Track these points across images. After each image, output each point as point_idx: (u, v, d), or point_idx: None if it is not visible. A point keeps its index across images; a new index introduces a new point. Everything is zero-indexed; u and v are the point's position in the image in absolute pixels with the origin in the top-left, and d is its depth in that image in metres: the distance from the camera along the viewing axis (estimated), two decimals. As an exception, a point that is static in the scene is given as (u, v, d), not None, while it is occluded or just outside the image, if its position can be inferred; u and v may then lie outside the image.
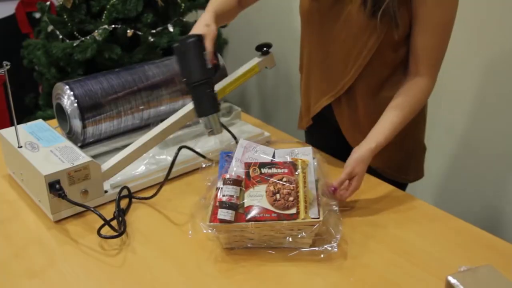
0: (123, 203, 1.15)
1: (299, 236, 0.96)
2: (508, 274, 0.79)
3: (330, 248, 0.97)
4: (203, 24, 1.19)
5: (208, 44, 1.15)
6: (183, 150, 1.19)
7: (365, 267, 0.96)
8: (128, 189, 1.17)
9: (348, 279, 0.93)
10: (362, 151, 1.11)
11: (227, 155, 1.08)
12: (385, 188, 1.22)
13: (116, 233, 1.03)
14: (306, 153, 1.04)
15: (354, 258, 0.98)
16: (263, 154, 1.06)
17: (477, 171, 1.83)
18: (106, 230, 1.05)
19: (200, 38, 1.13)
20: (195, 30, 1.18)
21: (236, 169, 1.02)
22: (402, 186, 1.33)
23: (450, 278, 0.76)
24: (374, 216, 1.11)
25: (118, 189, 1.15)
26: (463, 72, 1.77)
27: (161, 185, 1.15)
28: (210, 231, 0.96)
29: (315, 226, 0.95)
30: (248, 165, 1.00)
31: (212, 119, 1.12)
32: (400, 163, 1.32)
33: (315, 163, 1.06)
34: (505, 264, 0.96)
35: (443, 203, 1.96)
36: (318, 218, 0.95)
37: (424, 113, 1.32)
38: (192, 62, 1.07)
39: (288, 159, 1.03)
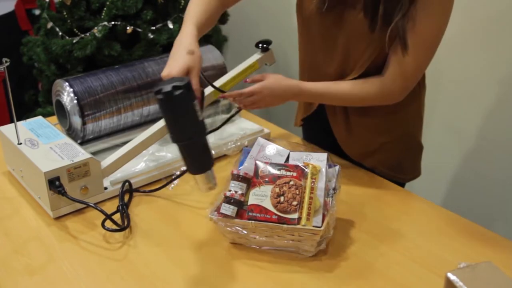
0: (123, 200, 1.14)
1: (302, 245, 0.95)
2: (508, 270, 0.79)
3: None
4: (185, 50, 1.01)
5: (195, 83, 0.98)
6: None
7: (364, 264, 0.96)
8: (130, 184, 1.17)
9: (347, 276, 0.93)
10: (284, 81, 1.16)
11: (249, 152, 1.07)
12: (384, 185, 1.22)
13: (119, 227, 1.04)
14: (320, 159, 1.01)
15: (353, 255, 0.99)
16: (278, 155, 1.04)
17: (476, 168, 1.83)
18: (108, 226, 1.05)
19: (188, 85, 0.90)
20: (177, 60, 1.00)
21: (248, 166, 1.02)
22: (399, 185, 1.32)
23: (450, 275, 0.75)
24: (373, 213, 1.11)
25: (119, 185, 1.15)
26: (460, 70, 1.76)
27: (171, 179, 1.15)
28: (214, 220, 0.96)
29: (316, 236, 0.92)
30: (258, 164, 1.00)
31: (210, 174, 0.95)
32: (398, 163, 1.31)
33: (336, 171, 1.03)
34: (504, 260, 0.96)
35: (442, 200, 1.97)
36: (320, 227, 0.93)
37: (420, 112, 1.31)
38: (182, 118, 0.89)
39: (301, 163, 1.00)
